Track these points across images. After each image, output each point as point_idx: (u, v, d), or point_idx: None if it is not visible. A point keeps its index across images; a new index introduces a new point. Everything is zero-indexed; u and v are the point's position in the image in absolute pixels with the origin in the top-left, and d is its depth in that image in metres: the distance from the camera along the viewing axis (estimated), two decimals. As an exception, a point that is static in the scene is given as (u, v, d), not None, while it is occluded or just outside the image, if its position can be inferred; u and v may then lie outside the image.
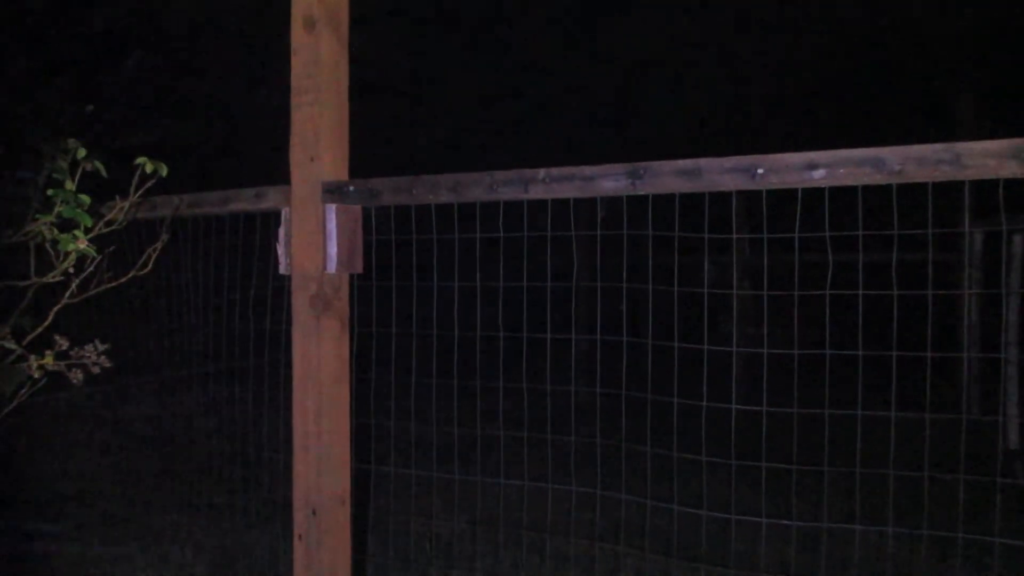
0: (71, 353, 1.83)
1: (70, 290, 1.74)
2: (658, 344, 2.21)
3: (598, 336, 2.31)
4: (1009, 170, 1.48)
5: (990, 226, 5.64)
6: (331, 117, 2.10)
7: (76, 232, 1.72)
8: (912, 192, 1.70)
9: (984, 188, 1.68)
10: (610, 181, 1.78)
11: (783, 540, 3.23)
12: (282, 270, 2.20)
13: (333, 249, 2.08)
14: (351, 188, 2.07)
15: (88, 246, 1.69)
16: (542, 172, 1.85)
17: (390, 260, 2.47)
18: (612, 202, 2.00)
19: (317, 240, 2.09)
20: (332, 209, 2.08)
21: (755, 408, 2.15)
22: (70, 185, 1.73)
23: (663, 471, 2.71)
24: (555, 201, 1.93)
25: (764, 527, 2.63)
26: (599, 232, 2.26)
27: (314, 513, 2.09)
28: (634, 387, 2.26)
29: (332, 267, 2.08)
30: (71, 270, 1.72)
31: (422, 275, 2.47)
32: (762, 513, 2.25)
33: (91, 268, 1.83)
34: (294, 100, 2.11)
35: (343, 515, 2.14)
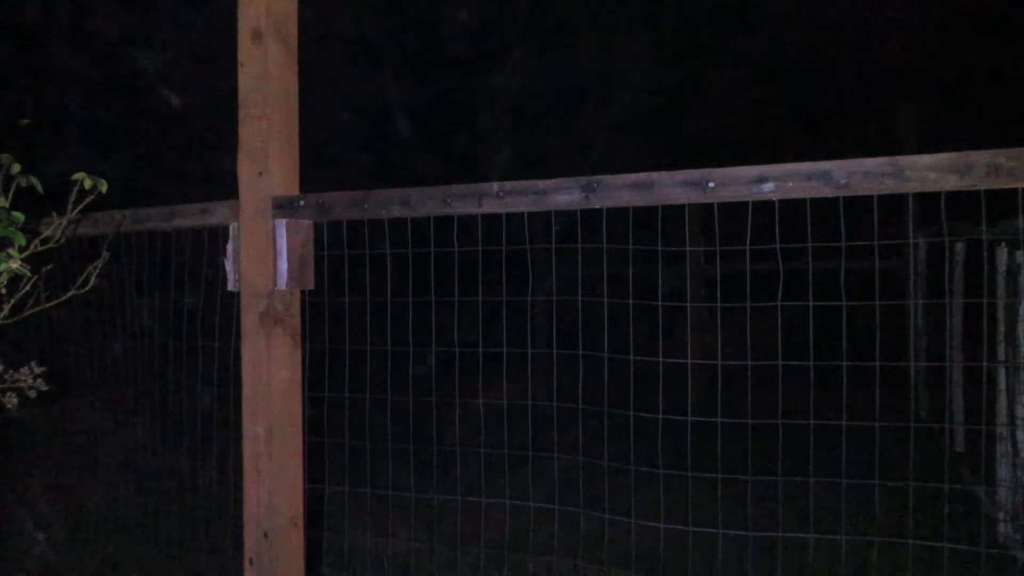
0: (6, 376, 1.74)
1: (3, 312, 1.66)
2: (614, 357, 2.21)
3: (554, 350, 2.30)
4: (950, 183, 1.51)
5: (933, 236, 5.81)
6: (280, 130, 2.06)
7: (10, 251, 1.65)
8: (858, 202, 1.73)
9: (927, 196, 1.72)
10: (564, 195, 1.78)
11: (740, 549, 3.25)
12: (231, 287, 2.14)
13: (284, 265, 2.04)
14: (302, 203, 2.03)
15: (22, 265, 1.62)
16: (495, 186, 1.84)
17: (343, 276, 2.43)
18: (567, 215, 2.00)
19: (267, 256, 2.04)
20: (282, 224, 2.03)
21: (710, 419, 2.16)
22: (3, 202, 1.66)
23: (621, 482, 2.71)
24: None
25: (721, 537, 2.64)
26: (553, 245, 2.25)
27: (266, 536, 2.03)
28: (591, 399, 2.25)
29: (283, 283, 2.03)
30: (3, 290, 1.64)
31: (378, 291, 2.43)
32: (719, 524, 2.26)
33: (27, 287, 1.75)
34: (242, 113, 2.06)
35: (296, 538, 2.08)
